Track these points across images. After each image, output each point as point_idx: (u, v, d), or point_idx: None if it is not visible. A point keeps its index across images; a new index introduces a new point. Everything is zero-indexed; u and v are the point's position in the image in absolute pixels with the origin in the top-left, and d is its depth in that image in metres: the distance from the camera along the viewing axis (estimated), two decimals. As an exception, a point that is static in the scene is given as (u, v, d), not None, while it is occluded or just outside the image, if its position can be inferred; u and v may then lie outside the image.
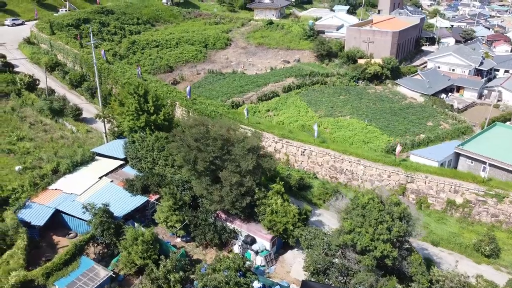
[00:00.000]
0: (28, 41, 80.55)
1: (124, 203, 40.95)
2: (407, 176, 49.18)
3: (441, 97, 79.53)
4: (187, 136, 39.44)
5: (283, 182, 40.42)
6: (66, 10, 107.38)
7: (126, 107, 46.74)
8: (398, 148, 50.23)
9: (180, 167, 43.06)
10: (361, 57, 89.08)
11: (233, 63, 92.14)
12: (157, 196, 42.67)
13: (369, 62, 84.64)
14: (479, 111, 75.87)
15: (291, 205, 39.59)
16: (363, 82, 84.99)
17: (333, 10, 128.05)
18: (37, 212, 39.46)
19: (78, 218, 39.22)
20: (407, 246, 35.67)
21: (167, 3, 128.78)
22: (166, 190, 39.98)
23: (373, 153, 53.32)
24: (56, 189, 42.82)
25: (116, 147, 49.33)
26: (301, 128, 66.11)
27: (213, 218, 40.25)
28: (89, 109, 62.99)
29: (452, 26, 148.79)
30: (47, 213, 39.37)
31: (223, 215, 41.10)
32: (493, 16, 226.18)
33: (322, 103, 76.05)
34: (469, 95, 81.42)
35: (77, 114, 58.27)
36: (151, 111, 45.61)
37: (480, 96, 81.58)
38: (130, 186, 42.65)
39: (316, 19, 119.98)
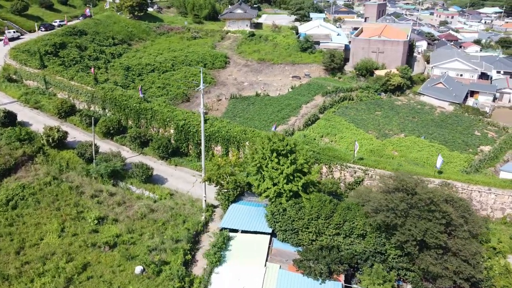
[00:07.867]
0: (9, 78, 62.05)
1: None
2: (542, 201, 47.32)
3: (466, 104, 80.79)
4: (394, 201, 31.97)
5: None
6: (14, 32, 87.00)
7: (266, 169, 37.00)
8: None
9: (362, 236, 35.25)
10: (376, 68, 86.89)
11: (246, 84, 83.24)
12: (341, 277, 34.38)
13: (390, 73, 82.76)
14: (506, 114, 78.57)
15: None
16: (385, 95, 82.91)
17: (305, 16, 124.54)
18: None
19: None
20: None
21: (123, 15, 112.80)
22: (377, 272, 32.08)
23: (497, 179, 50.63)
24: (219, 292, 32.04)
25: (245, 217, 39.16)
26: (371, 154, 61.63)
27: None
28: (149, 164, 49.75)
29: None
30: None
31: (434, 288, 34.52)
32: (406, 15, 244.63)
33: (365, 122, 72.12)
34: (483, 99, 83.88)
35: (149, 175, 45.40)
36: (305, 169, 36.63)
37: (494, 99, 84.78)
38: (308, 269, 33.69)
39: (292, 28, 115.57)
